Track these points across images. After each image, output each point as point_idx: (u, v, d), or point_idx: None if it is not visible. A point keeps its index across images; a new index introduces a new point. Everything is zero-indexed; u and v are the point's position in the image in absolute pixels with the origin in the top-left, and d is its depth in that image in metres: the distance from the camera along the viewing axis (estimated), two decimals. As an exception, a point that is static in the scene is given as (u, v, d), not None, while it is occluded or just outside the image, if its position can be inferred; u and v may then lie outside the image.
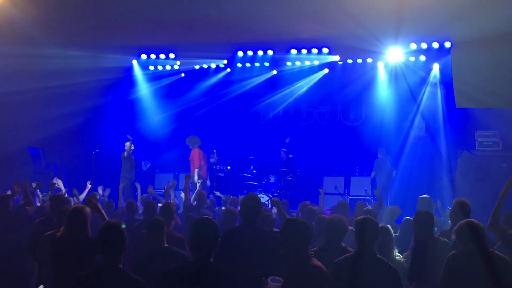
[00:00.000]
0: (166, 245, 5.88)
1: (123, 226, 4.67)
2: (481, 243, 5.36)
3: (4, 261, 7.98)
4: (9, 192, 10.01)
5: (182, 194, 10.64)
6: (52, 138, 16.52)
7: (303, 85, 17.52)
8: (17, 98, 14.95)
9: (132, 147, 14.57)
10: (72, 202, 9.76)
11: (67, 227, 5.83)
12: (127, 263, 4.78)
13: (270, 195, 16.02)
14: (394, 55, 15.56)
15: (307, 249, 4.78)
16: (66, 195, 10.83)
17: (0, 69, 14.46)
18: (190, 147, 15.51)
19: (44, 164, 16.53)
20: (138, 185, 12.02)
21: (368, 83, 16.68)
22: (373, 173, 16.00)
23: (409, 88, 16.20)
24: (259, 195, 13.72)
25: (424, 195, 9.20)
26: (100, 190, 12.71)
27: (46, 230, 7.00)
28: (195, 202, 10.09)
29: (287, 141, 17.04)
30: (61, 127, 16.33)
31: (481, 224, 5.60)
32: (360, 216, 5.52)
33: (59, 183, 12.27)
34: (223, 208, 10.21)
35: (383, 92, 16.66)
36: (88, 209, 5.92)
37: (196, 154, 15.41)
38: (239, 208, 6.87)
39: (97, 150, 14.55)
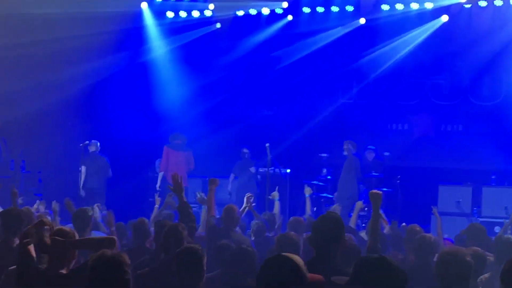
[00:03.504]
0: None
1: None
2: None
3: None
4: None
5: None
6: (20, 123, 15.76)
7: (407, 43, 15.82)
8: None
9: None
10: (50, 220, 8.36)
11: (50, 258, 5.47)
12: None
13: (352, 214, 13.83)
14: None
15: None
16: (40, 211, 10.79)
17: None
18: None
19: (6, 162, 15.67)
20: (158, 199, 11.49)
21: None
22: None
23: None
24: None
25: None
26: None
27: (2, 262, 6.80)
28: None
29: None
30: (34, 106, 15.29)
31: None
32: None
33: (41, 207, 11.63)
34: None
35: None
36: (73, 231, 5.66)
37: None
38: (306, 234, 7.63)
39: (87, 142, 13.94)
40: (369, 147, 15.54)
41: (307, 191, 11.90)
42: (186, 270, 5.53)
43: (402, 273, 3.98)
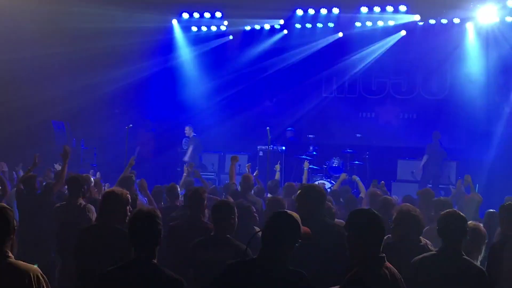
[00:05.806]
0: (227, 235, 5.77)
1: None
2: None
3: (29, 249, 7.63)
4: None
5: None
6: (79, 111, 16.60)
7: (375, 51, 17.20)
8: (40, 64, 14.95)
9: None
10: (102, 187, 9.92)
11: (99, 215, 5.86)
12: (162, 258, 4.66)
13: (332, 181, 15.48)
14: (486, 15, 15.28)
15: (378, 251, 4.21)
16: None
17: (22, 31, 14.34)
18: None
19: (69, 141, 16.44)
20: (186, 168, 12.21)
21: (455, 49, 16.46)
22: (425, 157, 15.73)
23: (505, 55, 15.92)
24: (319, 181, 14.90)
25: None
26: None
27: (68, 218, 7.23)
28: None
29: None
30: (90, 98, 16.26)
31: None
32: (446, 210, 5.36)
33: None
34: (269, 195, 10.05)
35: (473, 60, 16.45)
36: (127, 194, 5.79)
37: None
38: (295, 196, 6.56)
39: (131, 126, 14.38)
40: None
41: (306, 165, 12.49)
42: (220, 220, 5.74)
43: (381, 221, 4.29)
